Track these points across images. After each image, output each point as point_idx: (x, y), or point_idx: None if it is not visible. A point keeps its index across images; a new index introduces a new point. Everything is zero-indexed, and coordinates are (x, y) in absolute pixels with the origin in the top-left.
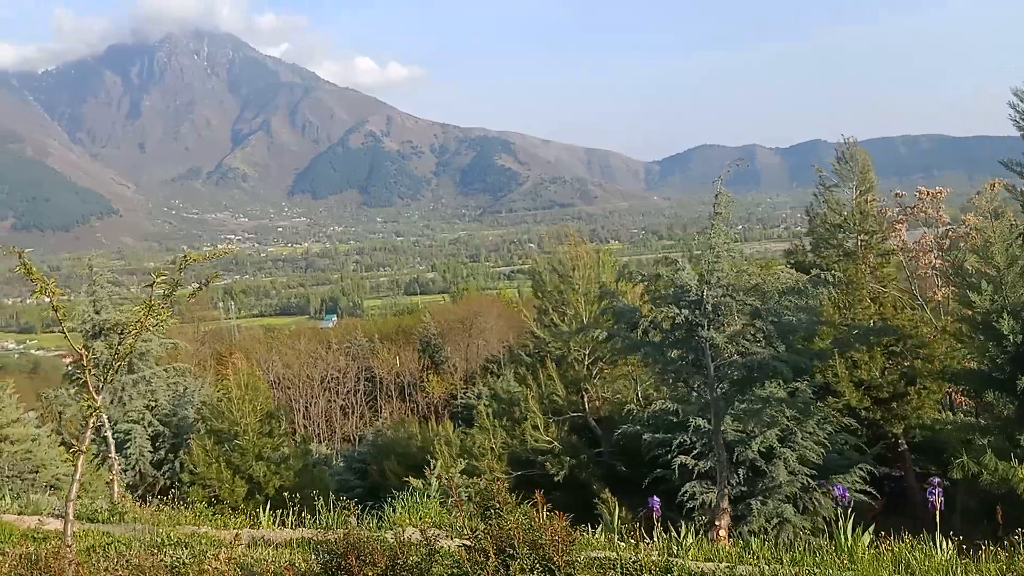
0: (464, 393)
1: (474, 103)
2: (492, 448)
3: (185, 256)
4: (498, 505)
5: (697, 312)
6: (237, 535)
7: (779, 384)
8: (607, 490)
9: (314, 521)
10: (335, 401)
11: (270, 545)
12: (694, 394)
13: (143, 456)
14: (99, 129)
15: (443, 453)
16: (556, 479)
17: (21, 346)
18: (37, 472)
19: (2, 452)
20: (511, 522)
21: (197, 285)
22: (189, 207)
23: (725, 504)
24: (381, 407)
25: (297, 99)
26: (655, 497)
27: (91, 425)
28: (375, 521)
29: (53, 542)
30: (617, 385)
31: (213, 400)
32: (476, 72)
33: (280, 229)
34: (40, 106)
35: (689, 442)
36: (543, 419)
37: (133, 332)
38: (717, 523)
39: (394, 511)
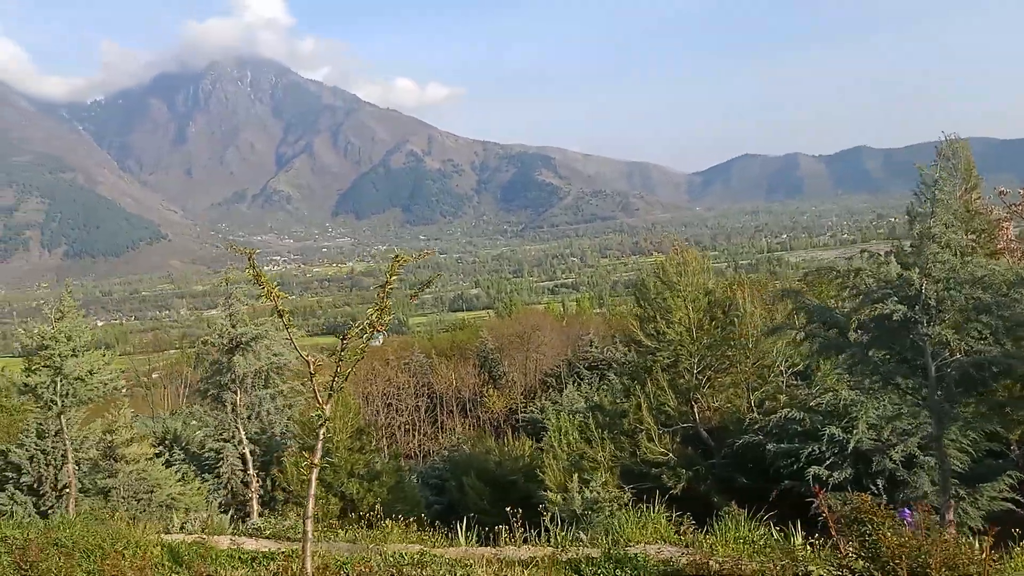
0: (525, 407)
1: (514, 120)
2: (602, 461)
3: (397, 257)
4: (876, 521)
5: (916, 308)
6: (553, 556)
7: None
8: (733, 503)
9: (542, 538)
10: (396, 418)
11: (513, 565)
12: (908, 398)
13: (235, 475)
14: (147, 156)
15: (552, 467)
16: (673, 492)
17: None
18: (152, 492)
19: (118, 472)
20: (926, 542)
21: (418, 286)
22: (235, 230)
23: (951, 516)
24: (443, 423)
25: (339, 121)
26: (906, 510)
27: (322, 436)
28: (605, 539)
29: (269, 564)
30: (727, 394)
31: (304, 417)
32: (515, 90)
33: (325, 249)
34: (89, 135)
35: (818, 452)
36: (656, 430)
37: (367, 335)
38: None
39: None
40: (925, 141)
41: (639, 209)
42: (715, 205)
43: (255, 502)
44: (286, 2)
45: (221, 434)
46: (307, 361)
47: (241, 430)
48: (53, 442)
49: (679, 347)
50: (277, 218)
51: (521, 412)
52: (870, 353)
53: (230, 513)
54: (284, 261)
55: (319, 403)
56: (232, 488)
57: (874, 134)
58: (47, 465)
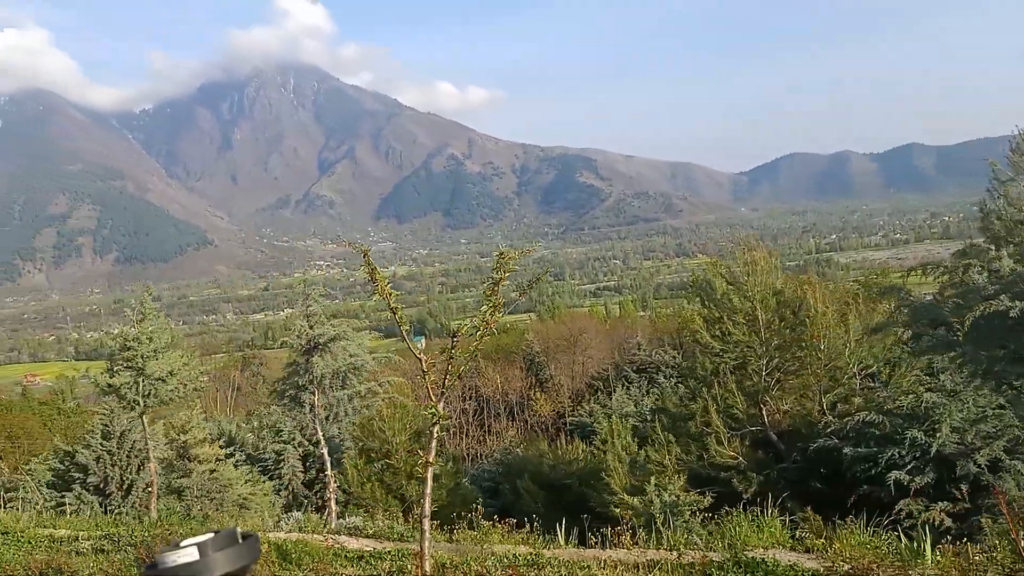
0: (572, 411)
1: (554, 122)
2: (668, 465)
3: (502, 254)
4: None
5: None
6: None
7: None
8: (809, 509)
9: (656, 541)
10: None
11: (634, 567)
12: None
13: (295, 476)
14: (194, 163)
15: (616, 470)
16: (745, 497)
17: None
18: (224, 492)
19: (192, 472)
20: None
21: (525, 285)
22: (279, 235)
23: None
24: (490, 426)
25: (380, 126)
26: None
27: (436, 436)
28: (719, 542)
29: (379, 563)
30: (797, 397)
31: (363, 419)
32: (556, 91)
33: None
34: (139, 144)
35: (898, 456)
36: (725, 433)
37: (481, 334)
38: None
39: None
40: (981, 137)
41: (683, 210)
42: (761, 206)
43: (333, 503)
44: (328, 9)
45: (281, 436)
46: (419, 359)
47: (320, 431)
48: (119, 443)
49: (747, 348)
50: (320, 223)
51: (569, 416)
52: (981, 352)
53: (324, 515)
54: (327, 266)
55: (432, 401)
56: (293, 490)
57: (926, 131)
58: (113, 465)
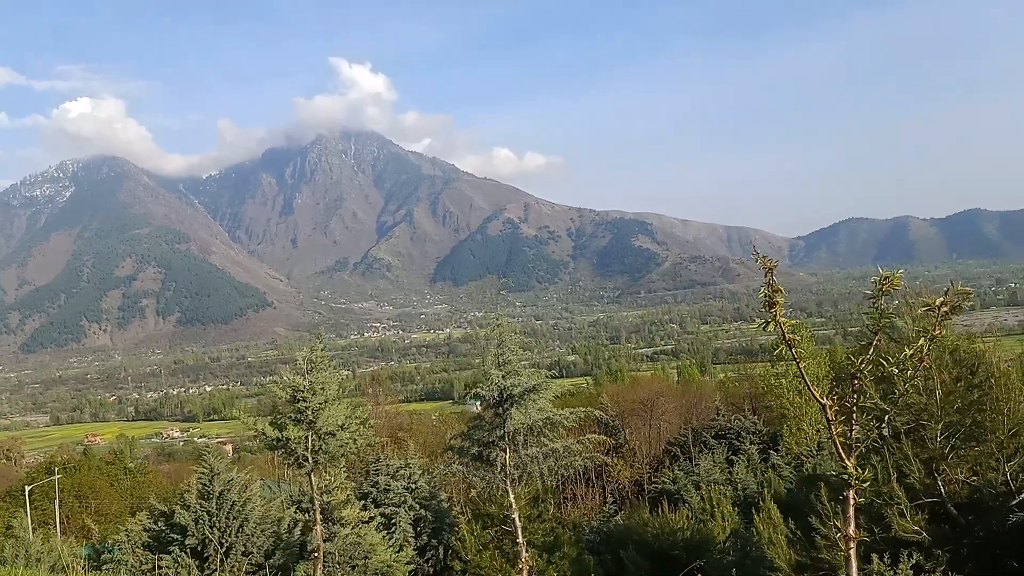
0: (652, 477)
1: (610, 186)
2: (837, 539)
3: (886, 278)
4: None
5: None
6: None
7: None
8: None
9: None
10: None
11: None
12: None
13: (407, 541)
14: (256, 227)
15: (779, 544)
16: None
17: (185, 434)
18: (367, 558)
19: (335, 536)
20: None
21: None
22: (337, 297)
23: None
24: (570, 493)
25: (438, 191)
26: None
27: (853, 502)
28: None
29: None
30: (974, 465)
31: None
32: (612, 157)
33: (423, 316)
34: (204, 208)
35: None
36: (908, 504)
37: (912, 376)
38: None
39: None
40: None
41: (740, 275)
42: (819, 270)
43: (524, 572)
44: (391, 79)
45: (389, 498)
46: (822, 404)
47: (510, 492)
48: (218, 503)
49: (921, 412)
50: (377, 286)
51: (649, 483)
52: None
53: None
54: (384, 328)
55: (841, 458)
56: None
57: (989, 196)
58: (211, 527)
